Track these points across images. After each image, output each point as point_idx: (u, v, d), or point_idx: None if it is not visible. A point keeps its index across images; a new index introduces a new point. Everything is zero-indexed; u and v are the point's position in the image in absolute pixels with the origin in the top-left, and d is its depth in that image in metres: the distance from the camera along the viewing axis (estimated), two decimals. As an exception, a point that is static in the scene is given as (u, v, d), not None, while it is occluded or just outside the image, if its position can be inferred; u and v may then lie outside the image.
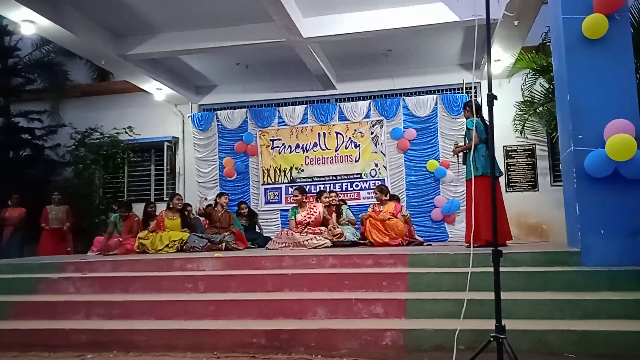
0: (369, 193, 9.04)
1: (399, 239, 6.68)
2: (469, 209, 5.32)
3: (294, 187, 7.97)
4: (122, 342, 3.85)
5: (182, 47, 8.54)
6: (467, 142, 5.61)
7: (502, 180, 9.40)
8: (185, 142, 10.79)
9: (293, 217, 7.26)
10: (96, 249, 7.17)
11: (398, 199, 7.93)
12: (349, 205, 8.28)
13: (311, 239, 6.66)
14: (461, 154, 5.86)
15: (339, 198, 8.31)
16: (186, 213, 7.65)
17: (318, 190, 8.35)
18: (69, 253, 8.65)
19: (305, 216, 7.15)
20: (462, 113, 5.63)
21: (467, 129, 5.50)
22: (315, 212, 7.19)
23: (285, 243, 6.80)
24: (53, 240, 8.82)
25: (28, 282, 4.97)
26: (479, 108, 5.45)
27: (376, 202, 7.33)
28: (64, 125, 10.91)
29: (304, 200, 7.32)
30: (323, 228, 6.97)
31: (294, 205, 7.55)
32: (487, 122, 5.30)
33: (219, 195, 7.87)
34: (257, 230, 8.72)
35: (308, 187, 9.20)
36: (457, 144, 6.31)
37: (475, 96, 9.67)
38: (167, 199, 8.18)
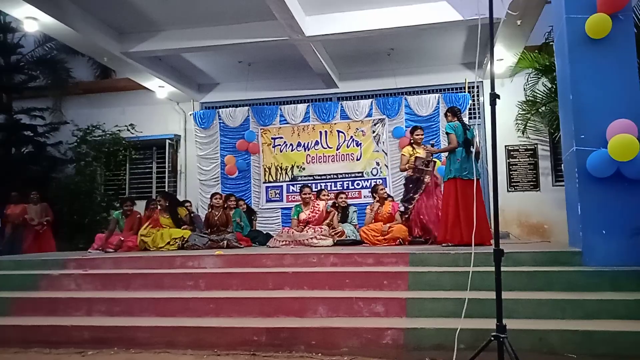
0: (370, 192, 9.03)
1: (399, 239, 6.67)
2: (443, 209, 5.59)
3: (302, 185, 7.91)
4: (123, 339, 3.86)
5: (184, 45, 8.55)
6: (447, 145, 5.79)
7: (503, 179, 9.41)
8: (187, 139, 10.79)
9: (296, 217, 7.27)
10: (97, 245, 7.18)
11: (392, 198, 7.93)
12: (356, 209, 8.21)
13: (312, 238, 6.67)
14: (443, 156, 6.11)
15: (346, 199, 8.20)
16: (178, 210, 7.61)
17: (319, 188, 8.34)
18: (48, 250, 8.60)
19: (309, 214, 7.17)
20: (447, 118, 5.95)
21: (446, 132, 5.70)
22: (318, 210, 7.21)
23: (286, 241, 6.82)
24: (34, 238, 8.78)
25: (29, 278, 4.98)
26: (458, 112, 5.72)
27: (373, 202, 7.35)
28: (66, 123, 10.94)
29: (313, 198, 7.37)
30: (325, 227, 6.97)
31: (298, 203, 7.55)
32: (468, 126, 5.47)
33: (211, 197, 7.69)
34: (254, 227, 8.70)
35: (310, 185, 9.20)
36: (429, 146, 6.57)
37: (478, 95, 9.67)
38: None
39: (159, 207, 7.41)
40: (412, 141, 6.88)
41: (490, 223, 5.38)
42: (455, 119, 5.66)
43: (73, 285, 4.84)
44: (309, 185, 8.02)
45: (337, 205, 7.64)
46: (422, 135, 6.86)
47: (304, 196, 7.34)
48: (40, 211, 8.88)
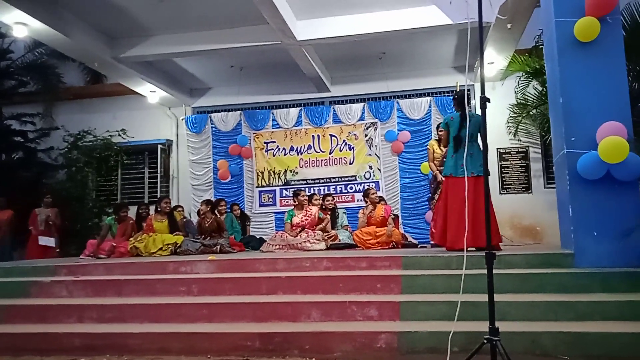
0: (362, 196, 9.04)
1: (392, 243, 6.69)
2: (438, 210, 5.43)
3: (297, 189, 7.92)
4: (115, 345, 3.82)
5: (176, 50, 8.53)
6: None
7: (495, 182, 9.45)
8: (179, 144, 10.76)
9: (289, 221, 7.26)
10: (89, 252, 7.12)
11: (385, 201, 7.95)
12: (345, 210, 8.24)
13: (305, 241, 6.66)
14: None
15: (334, 201, 8.21)
16: (175, 214, 7.60)
17: (311, 193, 8.34)
18: (56, 256, 8.55)
19: (302, 218, 7.15)
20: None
21: (442, 128, 5.48)
22: (310, 214, 7.21)
23: (279, 245, 6.81)
24: (38, 243, 8.72)
25: (20, 285, 4.93)
26: (463, 101, 5.15)
27: (366, 206, 7.35)
28: (57, 128, 10.85)
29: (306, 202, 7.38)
30: (318, 231, 6.96)
31: (291, 208, 7.55)
32: (469, 117, 4.99)
33: (201, 203, 7.72)
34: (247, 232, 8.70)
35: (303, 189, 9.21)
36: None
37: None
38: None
39: (159, 209, 7.38)
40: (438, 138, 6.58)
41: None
42: (458, 109, 5.23)
43: (64, 292, 4.79)
44: (303, 189, 8.04)
45: (324, 207, 7.64)
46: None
47: (301, 199, 7.30)
48: (52, 215, 8.82)
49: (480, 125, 5.07)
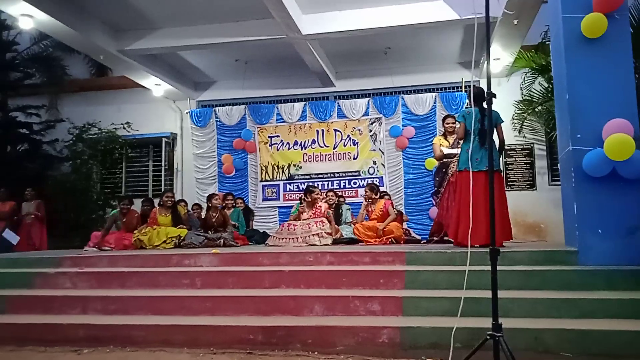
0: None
1: (392, 238, 6.66)
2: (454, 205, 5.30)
3: (311, 186, 7.79)
4: (118, 337, 3.84)
5: (181, 43, 8.53)
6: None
7: (500, 179, 9.40)
8: (184, 138, 10.78)
9: (295, 213, 7.19)
10: (93, 243, 7.15)
11: (389, 196, 7.91)
12: (349, 205, 8.20)
13: (315, 234, 6.55)
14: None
15: (337, 196, 8.16)
16: (178, 208, 7.59)
17: (329, 189, 8.27)
18: (37, 248, 8.46)
19: (311, 215, 7.06)
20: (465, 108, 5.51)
21: (457, 121, 5.41)
22: (320, 212, 7.10)
23: (286, 239, 6.72)
24: (25, 236, 8.69)
25: (24, 276, 4.96)
26: (479, 96, 5.02)
27: (367, 202, 7.31)
28: (62, 120, 10.89)
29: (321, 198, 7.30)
30: (326, 221, 6.85)
31: (298, 202, 7.48)
32: (486, 113, 4.46)
33: (209, 198, 7.53)
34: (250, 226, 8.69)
35: (305, 184, 9.20)
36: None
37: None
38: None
39: (161, 203, 7.36)
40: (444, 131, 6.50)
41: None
42: (474, 104, 5.07)
43: (68, 283, 4.82)
44: (317, 186, 7.86)
45: (326, 202, 7.58)
46: (452, 123, 6.34)
47: (315, 196, 7.12)
48: (33, 208, 8.85)
49: (496, 120, 5.10)
